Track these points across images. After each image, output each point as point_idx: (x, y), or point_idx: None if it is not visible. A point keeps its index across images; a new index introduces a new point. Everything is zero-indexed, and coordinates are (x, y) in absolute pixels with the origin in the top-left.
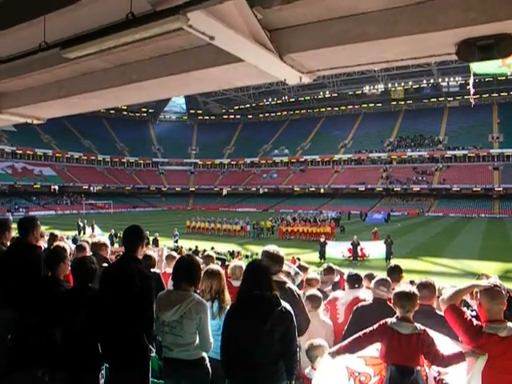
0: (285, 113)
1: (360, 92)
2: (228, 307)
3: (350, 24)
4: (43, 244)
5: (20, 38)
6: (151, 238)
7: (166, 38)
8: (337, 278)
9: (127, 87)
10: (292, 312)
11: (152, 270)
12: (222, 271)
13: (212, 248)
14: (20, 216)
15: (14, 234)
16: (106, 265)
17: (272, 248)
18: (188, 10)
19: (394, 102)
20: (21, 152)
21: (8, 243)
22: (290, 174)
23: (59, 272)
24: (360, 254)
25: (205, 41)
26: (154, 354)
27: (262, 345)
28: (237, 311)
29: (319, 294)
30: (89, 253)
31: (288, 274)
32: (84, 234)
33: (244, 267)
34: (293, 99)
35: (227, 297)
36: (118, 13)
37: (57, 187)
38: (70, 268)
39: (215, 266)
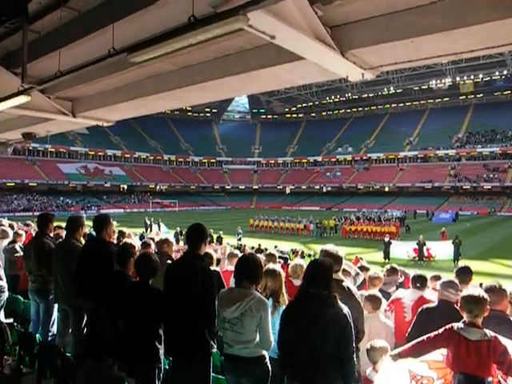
0: (348, 110)
1: (426, 87)
2: (284, 306)
3: (415, 16)
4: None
5: (91, 46)
6: (215, 236)
7: (228, 39)
8: (401, 279)
9: (191, 88)
10: (349, 315)
11: (211, 268)
12: (280, 270)
13: (275, 247)
14: (92, 214)
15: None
16: (169, 262)
17: (331, 247)
18: (248, 10)
19: (463, 96)
20: (93, 153)
21: (81, 239)
22: (354, 172)
23: (129, 267)
24: (426, 254)
25: (266, 40)
26: (215, 350)
27: (315, 345)
28: (292, 308)
29: (379, 294)
30: (153, 250)
31: (348, 274)
32: (151, 231)
33: (304, 266)
34: (356, 96)
35: (284, 296)
36: (181, 16)
37: (125, 186)
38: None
39: (272, 265)
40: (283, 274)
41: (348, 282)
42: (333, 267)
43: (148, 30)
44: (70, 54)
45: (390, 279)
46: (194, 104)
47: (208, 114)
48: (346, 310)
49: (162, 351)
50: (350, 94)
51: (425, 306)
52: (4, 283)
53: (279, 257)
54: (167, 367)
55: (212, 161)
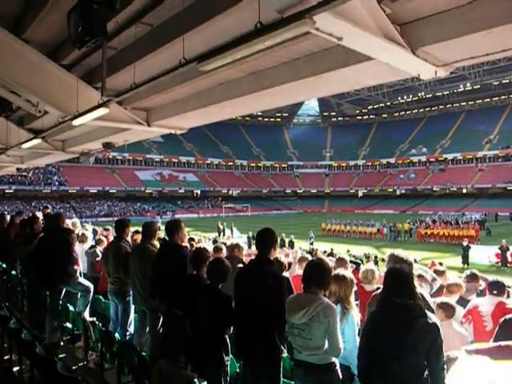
0: (421, 110)
1: (507, 81)
2: (352, 313)
3: (495, 6)
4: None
5: (163, 57)
6: (287, 241)
7: (295, 43)
8: (482, 286)
9: (260, 94)
10: (438, 324)
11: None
12: (349, 276)
13: (348, 251)
14: (167, 219)
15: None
16: (240, 265)
17: (399, 252)
18: (314, 13)
19: None
20: (167, 160)
21: (156, 243)
22: (429, 173)
23: (203, 271)
24: (510, 259)
25: (333, 42)
26: (285, 355)
27: (403, 358)
28: (376, 319)
29: (453, 302)
30: (225, 254)
31: (425, 280)
32: (224, 235)
33: (376, 271)
34: (430, 95)
35: (352, 303)
36: (248, 24)
37: (199, 192)
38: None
39: (340, 270)
40: (352, 280)
41: (421, 289)
42: (412, 274)
43: (216, 39)
44: (144, 67)
45: (469, 286)
46: (263, 109)
47: (279, 119)
48: (434, 318)
49: (227, 356)
50: (423, 93)
51: (508, 316)
52: (90, 284)
53: (351, 261)
54: (238, 370)
55: (283, 165)
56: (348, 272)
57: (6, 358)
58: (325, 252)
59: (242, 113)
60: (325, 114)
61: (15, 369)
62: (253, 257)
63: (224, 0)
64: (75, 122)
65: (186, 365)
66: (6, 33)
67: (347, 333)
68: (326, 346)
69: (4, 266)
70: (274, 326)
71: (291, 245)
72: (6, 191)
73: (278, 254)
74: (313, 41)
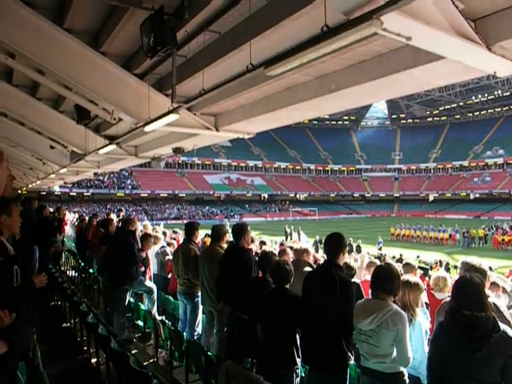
0: (498, 109)
1: None
2: (419, 320)
3: None
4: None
5: (231, 63)
6: (354, 245)
7: (362, 45)
8: None
9: (327, 97)
10: None
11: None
12: (418, 282)
13: (417, 257)
14: (235, 222)
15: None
16: (308, 269)
17: (473, 260)
18: (381, 13)
19: None
20: (235, 164)
21: (224, 246)
22: (507, 176)
23: (268, 275)
24: None
25: (402, 42)
26: (352, 362)
27: (475, 374)
28: (445, 331)
29: None
30: (291, 257)
31: (503, 290)
32: (291, 239)
33: (448, 279)
34: (507, 93)
35: (418, 310)
36: (314, 27)
37: (266, 195)
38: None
39: (408, 276)
40: (420, 286)
41: (496, 299)
42: (483, 284)
43: (282, 44)
44: (213, 73)
45: None
46: (330, 113)
47: (346, 122)
48: (509, 331)
49: (299, 358)
50: (500, 92)
51: None
52: (153, 285)
53: (419, 267)
54: (303, 375)
55: (351, 169)
56: (416, 278)
57: (85, 349)
58: (394, 257)
59: (309, 116)
60: (393, 116)
61: (93, 360)
62: (321, 261)
63: (290, 5)
64: (147, 128)
65: (252, 367)
66: (86, 47)
67: (414, 341)
68: (394, 354)
69: (82, 264)
70: (342, 331)
71: (358, 249)
72: (84, 194)
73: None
74: (380, 42)
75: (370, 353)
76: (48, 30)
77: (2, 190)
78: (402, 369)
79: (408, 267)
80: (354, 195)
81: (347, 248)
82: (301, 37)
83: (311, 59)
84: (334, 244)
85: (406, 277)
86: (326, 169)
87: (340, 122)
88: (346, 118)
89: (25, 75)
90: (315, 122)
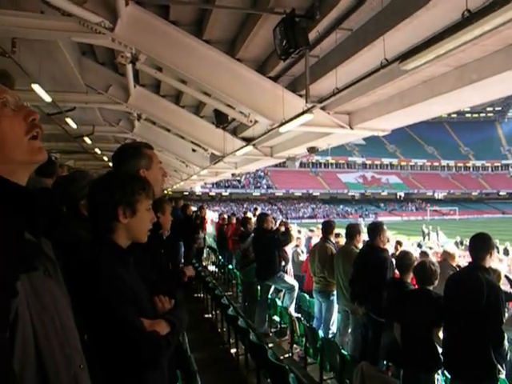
0: None
1: None
2: None
3: None
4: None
5: (364, 60)
6: (501, 248)
7: (510, 27)
8: None
9: (467, 88)
10: None
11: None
12: None
13: None
14: (370, 221)
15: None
16: (451, 272)
17: None
18: None
19: None
20: (369, 162)
21: (359, 245)
22: None
23: (407, 275)
24: None
25: None
26: (503, 376)
27: None
28: None
29: None
30: (431, 259)
31: None
32: (428, 239)
33: None
34: None
35: None
36: (452, 14)
37: (402, 194)
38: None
39: None
40: None
41: None
42: None
43: (417, 36)
44: (345, 71)
45: None
46: (472, 105)
47: (490, 114)
48: None
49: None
50: None
51: None
52: (295, 282)
53: None
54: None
55: (496, 164)
56: None
57: (225, 339)
58: None
59: (448, 110)
60: None
61: (232, 350)
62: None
63: None
64: (282, 129)
65: (387, 369)
66: (224, 55)
67: None
68: None
69: (222, 260)
70: (489, 340)
71: (506, 253)
72: (223, 194)
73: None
74: None
75: None
76: (190, 43)
77: (158, 189)
78: None
79: None
80: (500, 193)
81: (494, 250)
82: (437, 26)
83: (449, 49)
84: (481, 245)
85: None
86: (468, 165)
87: (483, 114)
88: (490, 109)
89: (170, 86)
90: (454, 116)
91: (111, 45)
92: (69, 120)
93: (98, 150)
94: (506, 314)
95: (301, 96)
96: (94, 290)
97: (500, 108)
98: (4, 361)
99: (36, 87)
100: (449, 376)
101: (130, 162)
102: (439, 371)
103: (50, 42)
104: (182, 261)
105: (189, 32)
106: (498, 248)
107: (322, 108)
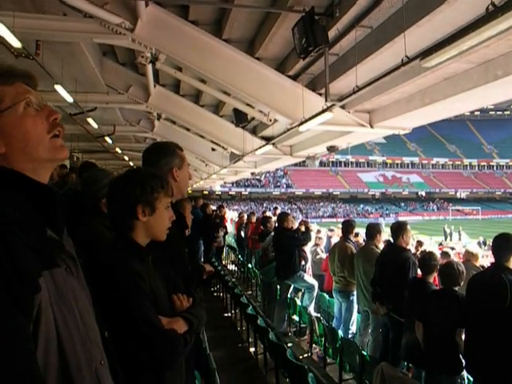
0: None
1: None
2: None
3: None
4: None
5: (384, 57)
6: None
7: None
8: None
9: (492, 85)
10: None
11: None
12: None
13: None
14: (390, 221)
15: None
16: (474, 273)
17: None
18: None
19: None
20: (390, 161)
21: (380, 245)
22: None
23: (429, 277)
24: None
25: None
26: None
27: None
28: None
29: None
30: (454, 259)
31: None
32: (450, 240)
33: None
34: None
35: None
36: (476, 9)
37: (423, 193)
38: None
39: None
40: None
41: None
42: None
43: (439, 32)
44: (365, 69)
45: None
46: (496, 102)
47: None
48: None
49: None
50: None
51: None
52: (315, 282)
53: None
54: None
55: None
56: None
57: (244, 338)
58: None
59: (471, 108)
60: None
61: (251, 349)
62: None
63: None
64: (302, 128)
65: (408, 371)
66: (243, 54)
67: None
68: None
69: (242, 259)
70: (511, 342)
71: None
72: (242, 193)
73: None
74: None
75: None
76: (209, 43)
77: (185, 191)
78: None
79: None
80: None
81: None
82: (460, 21)
83: (473, 45)
84: (504, 245)
85: None
86: (491, 164)
87: (507, 112)
88: None
89: (190, 85)
90: (477, 114)
91: (131, 45)
92: (90, 120)
93: (118, 150)
94: None
95: (320, 94)
96: (112, 287)
97: None
98: (29, 355)
99: (58, 88)
100: (471, 379)
101: (164, 159)
102: (462, 373)
103: (72, 44)
104: (202, 260)
105: (208, 31)
106: None
107: (342, 106)
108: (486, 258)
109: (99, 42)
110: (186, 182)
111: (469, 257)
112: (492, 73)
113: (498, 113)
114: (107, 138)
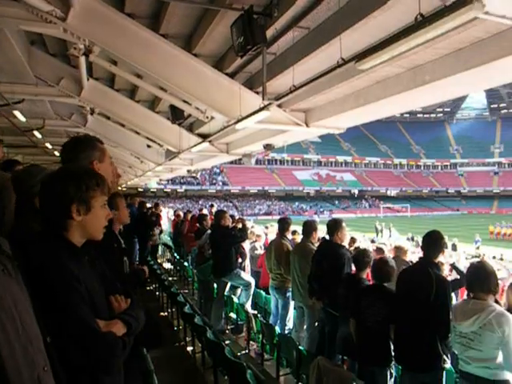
0: None
1: None
2: None
3: None
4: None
5: (321, 58)
6: (449, 244)
7: (460, 32)
8: None
9: (420, 89)
10: None
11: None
12: None
13: None
14: (325, 218)
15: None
16: (404, 267)
17: None
18: None
19: None
20: (324, 160)
21: (315, 242)
22: None
23: (363, 273)
24: None
25: (506, 24)
26: (448, 366)
27: None
28: None
29: None
30: (387, 255)
31: None
32: (382, 236)
33: None
34: None
35: None
36: (406, 17)
37: (356, 191)
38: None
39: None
40: None
41: None
42: None
43: (373, 36)
44: (302, 69)
45: None
46: (423, 105)
47: (440, 114)
48: None
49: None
50: None
51: None
52: (252, 279)
53: None
54: (396, 375)
55: (446, 163)
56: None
57: (181, 337)
58: (494, 257)
59: (401, 110)
60: (493, 106)
61: (189, 348)
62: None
63: None
64: (238, 126)
65: (342, 363)
66: (180, 50)
67: None
68: (500, 359)
69: (178, 257)
70: (437, 333)
71: (454, 248)
72: (178, 190)
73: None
74: (481, 27)
75: (471, 357)
76: (146, 37)
77: (110, 185)
78: (508, 377)
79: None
80: (449, 191)
81: (444, 246)
82: (392, 28)
83: (404, 51)
84: (434, 243)
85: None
86: (419, 163)
87: (433, 115)
88: (440, 110)
89: (125, 80)
90: (407, 116)
91: (63, 35)
92: (17, 113)
93: (48, 145)
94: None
95: (257, 93)
96: (47, 290)
97: (449, 109)
98: None
99: None
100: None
101: (83, 152)
102: (392, 364)
103: None
104: (137, 258)
105: (145, 25)
106: (446, 244)
107: (279, 105)
108: (415, 255)
109: (27, 29)
110: (109, 176)
111: (398, 252)
112: (420, 78)
113: (425, 115)
114: (36, 133)
